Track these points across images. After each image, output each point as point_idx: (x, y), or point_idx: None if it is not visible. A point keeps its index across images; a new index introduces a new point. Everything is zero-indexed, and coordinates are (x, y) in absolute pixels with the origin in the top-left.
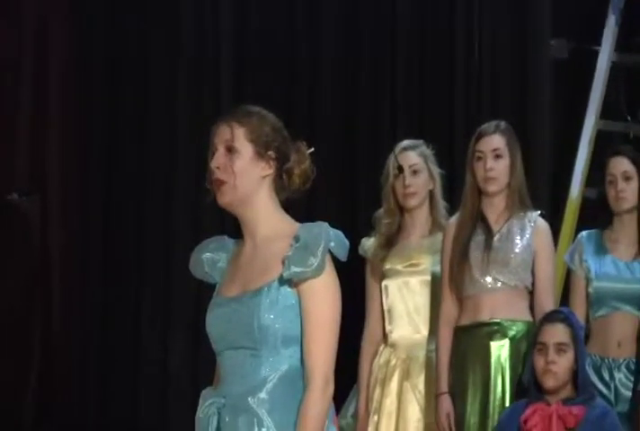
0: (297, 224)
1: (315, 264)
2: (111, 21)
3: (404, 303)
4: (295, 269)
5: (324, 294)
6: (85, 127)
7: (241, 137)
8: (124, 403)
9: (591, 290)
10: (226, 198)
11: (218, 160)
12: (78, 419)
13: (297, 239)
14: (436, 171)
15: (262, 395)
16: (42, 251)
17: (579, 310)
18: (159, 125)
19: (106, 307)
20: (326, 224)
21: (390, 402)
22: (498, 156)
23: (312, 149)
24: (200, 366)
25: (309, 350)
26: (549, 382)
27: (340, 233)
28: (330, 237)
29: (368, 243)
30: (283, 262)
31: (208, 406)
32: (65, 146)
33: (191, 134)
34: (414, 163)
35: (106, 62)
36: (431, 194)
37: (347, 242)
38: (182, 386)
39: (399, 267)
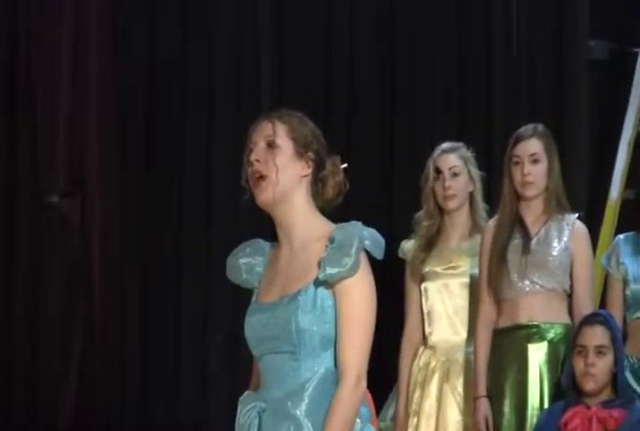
0: (332, 225)
1: (350, 264)
2: (150, 23)
3: (444, 305)
4: (330, 271)
5: (358, 294)
6: (124, 129)
7: (282, 134)
8: (163, 403)
9: (628, 292)
10: (266, 195)
11: (259, 153)
12: (117, 419)
13: (331, 240)
14: (476, 173)
15: (302, 399)
16: (83, 252)
17: (616, 312)
18: (197, 125)
19: (145, 307)
20: (359, 224)
21: (429, 404)
22: (535, 161)
23: (346, 165)
24: (239, 367)
25: (342, 349)
26: (589, 385)
27: (374, 232)
28: (364, 236)
29: (408, 246)
30: (319, 264)
31: (249, 410)
32: (104, 148)
33: (229, 136)
34: (454, 166)
35: (145, 66)
36: (471, 196)
37: (382, 241)
38: (220, 386)
39: (438, 269)
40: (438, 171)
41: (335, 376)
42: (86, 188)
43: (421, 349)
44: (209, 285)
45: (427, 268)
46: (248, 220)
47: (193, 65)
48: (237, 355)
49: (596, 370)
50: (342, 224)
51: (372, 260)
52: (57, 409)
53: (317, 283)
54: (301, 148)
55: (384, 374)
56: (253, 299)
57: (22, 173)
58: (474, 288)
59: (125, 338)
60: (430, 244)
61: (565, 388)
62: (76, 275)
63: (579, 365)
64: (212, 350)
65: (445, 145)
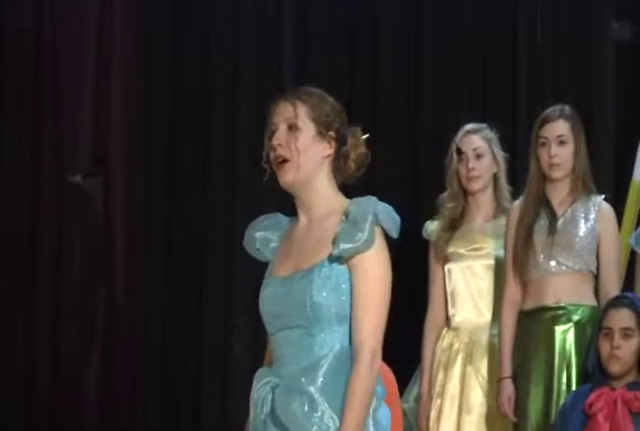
0: (348, 200)
1: (363, 238)
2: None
3: (468, 286)
4: (344, 246)
5: (373, 268)
6: (148, 110)
7: (303, 116)
8: (187, 384)
9: None
10: (289, 177)
11: (280, 137)
12: (141, 401)
13: (346, 214)
14: (500, 154)
15: (317, 377)
16: (105, 232)
17: None
18: (221, 105)
19: (168, 289)
20: (374, 198)
21: (453, 386)
22: (562, 142)
23: (367, 135)
24: (263, 348)
25: (358, 324)
26: (614, 368)
27: (388, 207)
28: (378, 210)
29: (432, 227)
30: (334, 240)
31: (262, 386)
32: (127, 130)
33: (253, 118)
34: (478, 147)
35: (171, 43)
36: (495, 177)
37: (397, 217)
38: (244, 368)
39: (462, 250)
40: (461, 152)
41: (350, 353)
42: (109, 168)
43: (444, 331)
44: (234, 264)
45: (451, 249)
46: (272, 201)
47: (218, 49)
48: (261, 337)
49: (621, 352)
50: (357, 198)
51: (397, 241)
52: (81, 388)
53: (332, 259)
54: (323, 129)
55: (407, 356)
56: (268, 273)
57: (45, 154)
58: (498, 270)
59: (147, 322)
60: (454, 225)
61: (591, 370)
62: (99, 255)
63: (604, 347)
64: (236, 333)
65: (468, 127)
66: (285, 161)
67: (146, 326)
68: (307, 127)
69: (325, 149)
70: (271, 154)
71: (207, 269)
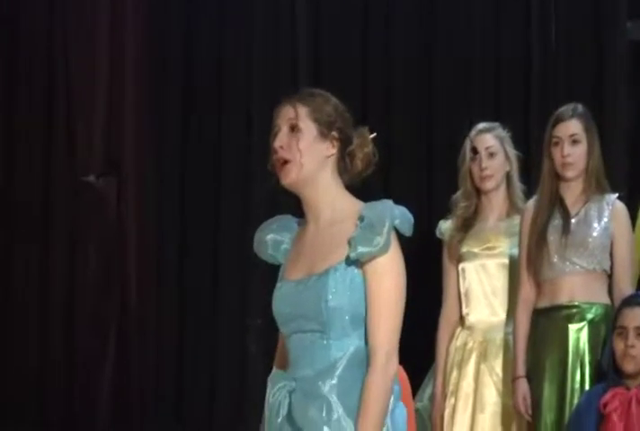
0: (361, 204)
1: (382, 243)
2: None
3: (482, 285)
4: (361, 250)
5: (389, 272)
6: (161, 110)
7: (304, 117)
8: (202, 386)
9: None
10: (291, 176)
11: (282, 139)
12: (154, 405)
13: (361, 219)
14: (512, 152)
15: (332, 379)
16: (119, 233)
17: None
18: (234, 107)
19: (182, 288)
20: (390, 202)
21: (467, 385)
22: (575, 141)
23: (374, 134)
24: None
25: (373, 328)
26: (629, 366)
27: (404, 210)
28: (395, 215)
29: (446, 226)
30: (349, 243)
31: (278, 389)
32: (141, 130)
33: (267, 125)
34: (490, 146)
35: (182, 47)
36: (508, 176)
37: (412, 218)
38: (259, 369)
39: (476, 249)
40: (474, 151)
41: (365, 355)
42: (122, 168)
43: (458, 330)
44: (247, 265)
45: (465, 249)
46: (286, 199)
47: (230, 51)
48: (276, 338)
49: (636, 351)
50: (372, 202)
51: (411, 240)
52: (95, 392)
53: (348, 262)
54: (325, 129)
55: (421, 355)
56: (280, 276)
57: (59, 154)
58: (512, 268)
59: (161, 322)
60: (467, 224)
61: (606, 369)
62: (112, 257)
63: (619, 346)
64: (251, 334)
65: (481, 125)
66: (286, 162)
67: (159, 326)
68: (309, 128)
69: (328, 149)
70: (273, 157)
71: (221, 268)
